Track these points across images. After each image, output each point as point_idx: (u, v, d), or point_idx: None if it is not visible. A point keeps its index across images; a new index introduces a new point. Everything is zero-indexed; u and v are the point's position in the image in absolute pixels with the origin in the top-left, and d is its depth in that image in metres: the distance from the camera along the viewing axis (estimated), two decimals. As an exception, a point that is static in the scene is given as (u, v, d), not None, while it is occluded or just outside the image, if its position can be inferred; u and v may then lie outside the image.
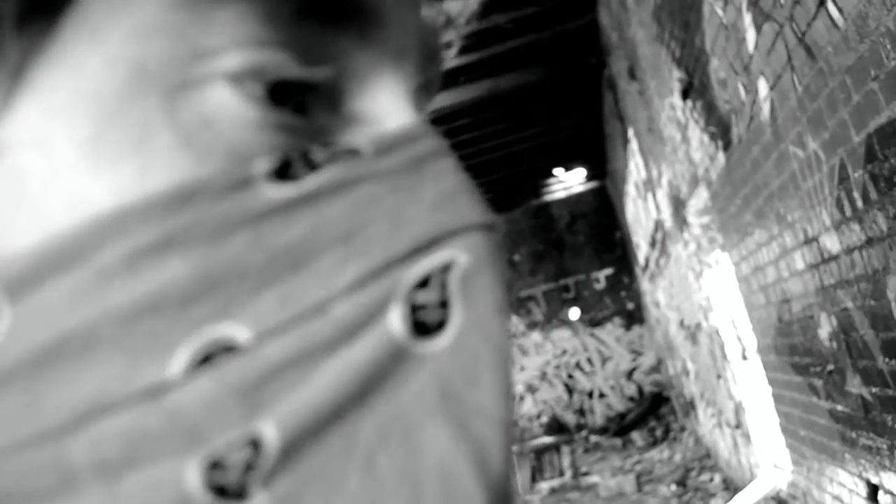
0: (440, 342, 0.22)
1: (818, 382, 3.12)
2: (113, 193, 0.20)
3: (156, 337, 0.20)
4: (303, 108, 0.24)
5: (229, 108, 0.22)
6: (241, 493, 0.19)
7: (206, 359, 0.20)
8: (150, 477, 0.19)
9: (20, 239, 0.20)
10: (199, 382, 0.20)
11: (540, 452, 9.32)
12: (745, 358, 5.07)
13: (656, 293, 9.65)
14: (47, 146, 0.21)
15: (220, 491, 0.19)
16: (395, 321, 0.22)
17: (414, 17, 0.28)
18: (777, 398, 4.07)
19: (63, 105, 0.21)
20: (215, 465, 0.19)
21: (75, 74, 0.21)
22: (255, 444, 0.20)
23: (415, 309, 0.22)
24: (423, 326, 0.22)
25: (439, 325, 0.22)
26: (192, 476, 0.19)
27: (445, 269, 0.23)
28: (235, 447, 0.19)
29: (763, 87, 2.82)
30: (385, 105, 0.26)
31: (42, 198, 0.20)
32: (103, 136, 0.21)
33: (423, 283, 0.23)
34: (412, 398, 0.22)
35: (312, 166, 0.23)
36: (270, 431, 0.20)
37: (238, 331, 0.20)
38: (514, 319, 13.72)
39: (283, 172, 0.22)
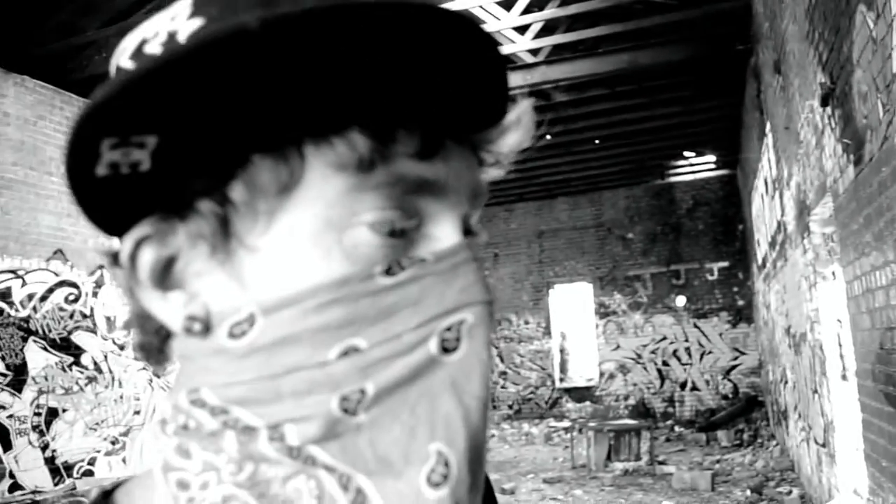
0: (454, 357, 0.46)
1: (908, 418, 3.02)
2: (314, 271, 0.44)
3: (326, 341, 0.43)
4: (402, 236, 0.46)
5: (367, 239, 0.45)
6: (355, 412, 0.43)
7: (345, 354, 0.43)
8: (318, 403, 0.43)
9: (283, 290, 0.44)
10: (342, 363, 0.43)
11: (620, 433, 9.33)
12: (843, 378, 4.89)
13: (769, 295, 9.31)
14: (295, 249, 0.45)
15: (346, 411, 0.43)
16: (433, 346, 0.45)
17: (470, 175, 0.50)
18: (866, 424, 3.94)
19: (298, 231, 0.44)
20: (344, 399, 0.43)
21: (300, 218, 0.45)
22: (362, 392, 0.43)
23: (443, 340, 0.45)
24: (447, 349, 0.45)
25: (454, 349, 0.46)
26: (334, 404, 0.43)
27: (461, 322, 0.46)
28: (353, 392, 0.43)
29: (902, 108, 2.70)
30: (445, 231, 0.48)
31: (286, 272, 0.44)
32: (313, 249, 0.44)
33: (449, 329, 0.46)
34: (437, 382, 0.45)
35: (402, 267, 0.45)
36: (370, 387, 0.43)
37: (361, 342, 0.44)
38: (618, 297, 13.58)
39: (388, 270, 0.45)
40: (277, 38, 0.39)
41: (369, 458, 0.44)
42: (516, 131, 0.53)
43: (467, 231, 0.51)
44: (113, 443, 7.99)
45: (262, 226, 0.44)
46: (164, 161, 0.43)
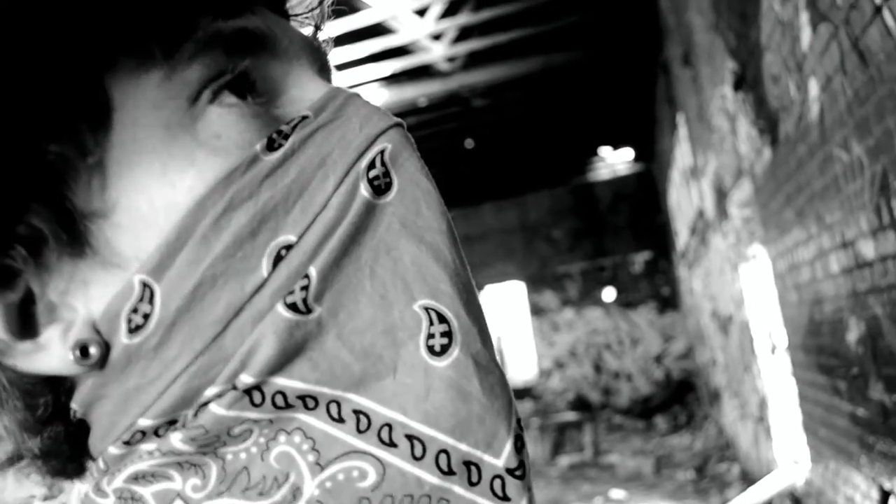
0: (391, 195, 0.38)
1: (842, 385, 3.15)
2: (187, 192, 0.35)
3: (247, 260, 0.35)
4: (263, 105, 0.39)
5: (225, 119, 0.37)
6: (309, 310, 0.35)
7: (278, 258, 0.35)
8: (257, 313, 0.35)
9: (153, 245, 0.35)
10: (279, 271, 0.35)
11: (563, 428, 9.44)
12: (773, 353, 5.08)
13: (692, 281, 9.61)
14: (151, 176, 0.36)
15: (296, 310, 0.35)
16: (364, 191, 0.37)
17: (294, 30, 0.44)
18: (801, 396, 4.09)
19: (138, 164, 0.36)
20: (288, 296, 0.35)
21: (134, 140, 0.36)
22: (306, 277, 0.35)
23: (371, 181, 0.38)
24: (380, 188, 0.38)
25: (388, 186, 0.38)
26: (280, 307, 0.35)
27: (381, 153, 0.39)
28: (299, 286, 0.35)
29: (814, 87, 2.82)
30: (308, 86, 0.42)
31: (154, 216, 0.35)
32: (166, 167, 0.36)
33: (372, 166, 0.38)
34: (385, 229, 0.38)
35: (285, 135, 0.38)
36: (312, 270, 0.36)
37: (289, 237, 0.36)
38: (549, 295, 13.77)
39: (270, 144, 0.37)
40: None
41: (350, 361, 0.35)
42: None
43: None
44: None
45: (97, 180, 0.35)
46: None
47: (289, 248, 0.35)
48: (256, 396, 0.35)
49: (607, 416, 12.70)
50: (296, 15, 0.48)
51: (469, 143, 10.12)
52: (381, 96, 7.81)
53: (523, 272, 13.95)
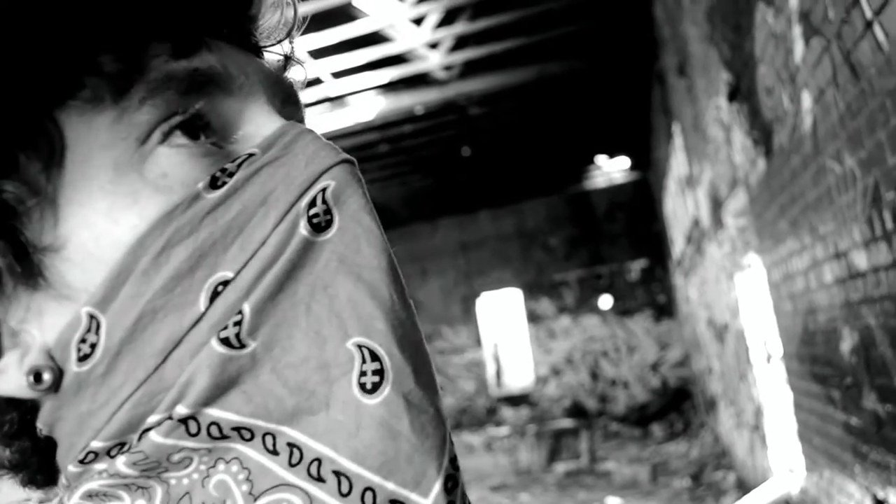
0: (331, 232, 0.39)
1: (836, 394, 3.17)
2: (130, 229, 0.37)
3: (185, 295, 0.36)
4: (213, 138, 0.40)
5: (172, 159, 0.38)
6: (242, 345, 0.36)
7: (215, 294, 0.36)
8: (195, 346, 0.36)
9: (100, 279, 0.37)
10: (216, 304, 0.36)
11: (559, 435, 9.44)
12: (768, 362, 5.10)
13: (688, 289, 9.64)
14: (100, 214, 0.37)
15: (229, 344, 0.36)
16: (303, 229, 0.38)
17: (254, 65, 0.44)
18: (796, 405, 4.11)
19: (87, 201, 0.37)
20: (222, 331, 0.36)
21: (84, 179, 0.37)
22: (239, 313, 0.36)
23: (311, 219, 0.38)
24: (319, 226, 0.38)
25: (328, 224, 0.39)
26: (214, 344, 0.36)
27: (323, 190, 0.39)
28: (232, 321, 0.36)
29: (807, 99, 2.85)
30: (259, 122, 0.42)
31: (100, 251, 0.37)
32: (113, 205, 0.37)
33: (313, 204, 0.39)
34: (322, 266, 0.38)
35: (229, 173, 0.39)
36: (245, 306, 0.36)
37: (226, 273, 0.37)
38: (545, 302, 13.78)
39: (214, 182, 0.38)
40: None
41: (284, 395, 0.36)
42: (270, 10, 0.48)
43: None
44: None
45: (49, 216, 0.37)
46: None
47: (226, 283, 0.37)
48: (192, 426, 0.36)
49: (604, 424, 12.70)
50: (263, 47, 0.48)
51: (466, 151, 10.15)
52: (378, 104, 7.83)
53: (520, 279, 13.96)
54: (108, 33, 0.38)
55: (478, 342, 14.19)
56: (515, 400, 13.92)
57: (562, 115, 9.72)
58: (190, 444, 0.37)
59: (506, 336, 15.89)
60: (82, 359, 0.36)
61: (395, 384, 0.37)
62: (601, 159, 12.31)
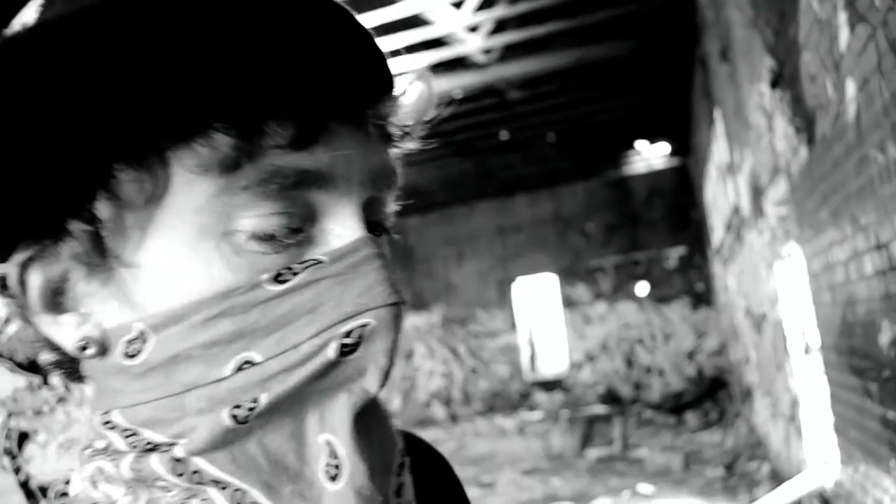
0: (350, 358, 0.44)
1: (874, 387, 3.13)
2: (195, 287, 0.42)
3: (219, 356, 0.42)
4: (294, 235, 0.44)
5: (249, 246, 0.43)
6: (245, 421, 0.42)
7: (240, 368, 0.42)
8: (208, 417, 0.42)
9: (168, 305, 0.43)
10: (238, 377, 0.42)
11: (592, 421, 9.44)
12: (806, 353, 5.03)
13: (727, 277, 9.51)
14: (174, 262, 0.43)
15: (237, 420, 0.42)
16: (331, 352, 0.43)
17: (364, 161, 0.47)
18: (833, 397, 4.06)
19: (172, 242, 0.43)
20: (235, 408, 0.42)
21: (173, 228, 0.43)
22: (255, 401, 0.42)
23: (342, 346, 0.43)
24: (346, 352, 0.44)
25: (352, 352, 0.44)
26: (225, 415, 0.42)
27: (363, 326, 0.44)
28: (246, 402, 0.42)
29: (851, 87, 2.79)
30: (342, 225, 0.45)
31: (165, 289, 0.43)
32: (190, 261, 0.42)
33: (349, 334, 0.44)
34: (329, 381, 0.44)
35: (294, 273, 0.43)
36: (264, 398, 0.42)
37: (255, 355, 0.42)
38: (581, 288, 13.72)
39: (278, 277, 0.43)
40: (119, 19, 0.38)
41: (262, 464, 0.43)
42: (412, 99, 0.51)
43: (375, 224, 0.49)
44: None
45: (135, 241, 0.43)
46: (29, 179, 0.40)
47: (251, 363, 0.42)
48: (179, 468, 0.43)
49: (637, 411, 12.65)
50: (388, 135, 0.51)
51: (504, 135, 10.12)
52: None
53: (556, 264, 13.91)
54: (228, 106, 0.41)
55: (513, 326, 14.20)
56: (549, 385, 13.92)
57: (602, 100, 9.62)
58: (173, 479, 0.43)
59: (541, 321, 15.87)
60: (126, 356, 0.44)
61: (349, 480, 0.43)
62: (641, 144, 12.16)
